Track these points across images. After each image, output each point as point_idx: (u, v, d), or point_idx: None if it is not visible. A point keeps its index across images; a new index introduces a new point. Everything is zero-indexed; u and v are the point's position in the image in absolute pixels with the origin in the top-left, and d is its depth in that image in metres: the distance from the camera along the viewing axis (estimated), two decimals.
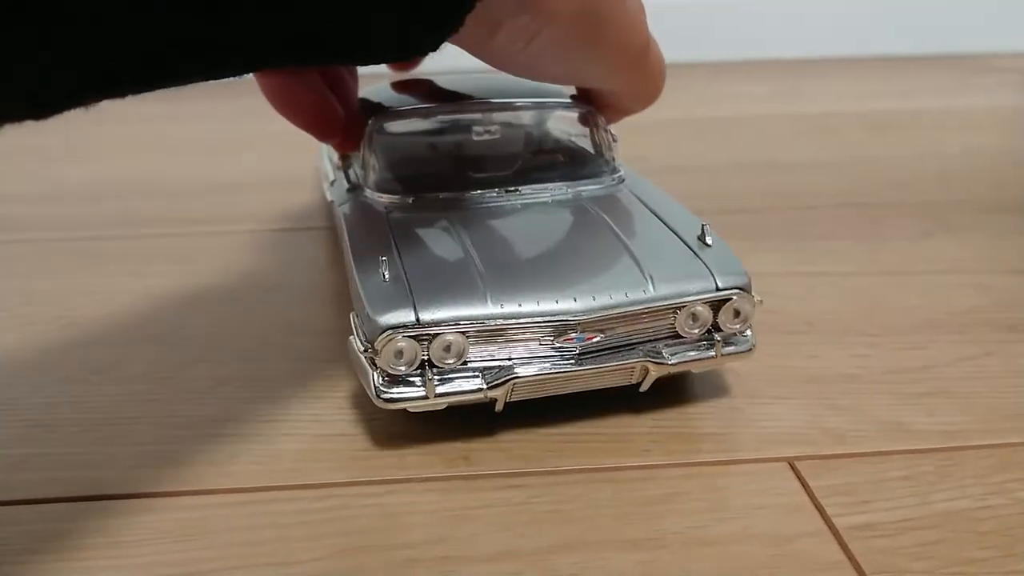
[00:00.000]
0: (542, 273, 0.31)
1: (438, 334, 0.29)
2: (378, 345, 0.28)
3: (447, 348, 0.29)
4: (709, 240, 0.32)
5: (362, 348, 0.29)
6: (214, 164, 0.61)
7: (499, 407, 0.30)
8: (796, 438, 0.31)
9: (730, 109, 0.75)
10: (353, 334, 0.30)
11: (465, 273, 0.30)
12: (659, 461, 0.30)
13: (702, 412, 0.32)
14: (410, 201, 0.35)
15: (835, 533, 0.26)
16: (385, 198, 0.36)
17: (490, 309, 0.29)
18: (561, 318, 0.29)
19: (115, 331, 0.38)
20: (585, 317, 0.29)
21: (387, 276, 0.29)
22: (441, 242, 0.33)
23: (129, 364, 0.35)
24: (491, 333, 0.29)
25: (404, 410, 0.30)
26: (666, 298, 0.30)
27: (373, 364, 0.29)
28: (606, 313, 0.30)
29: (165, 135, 0.68)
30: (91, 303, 0.41)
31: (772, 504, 0.28)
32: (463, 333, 0.29)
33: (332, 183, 0.41)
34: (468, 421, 0.31)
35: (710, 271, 0.31)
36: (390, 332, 0.28)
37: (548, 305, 0.29)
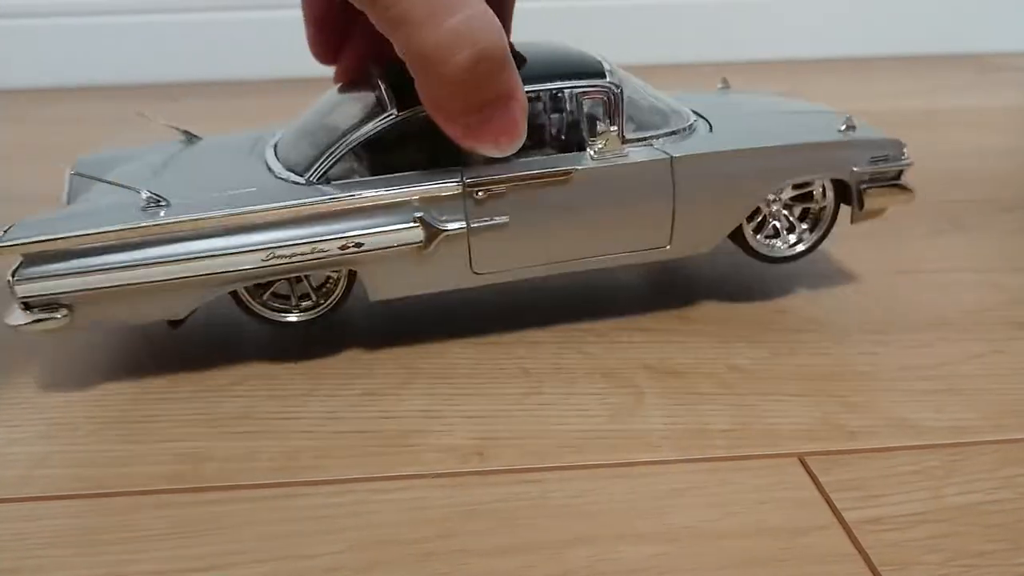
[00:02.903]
0: None
1: None
2: None
3: None
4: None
5: None
6: None
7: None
8: (806, 434, 0.31)
9: None
10: None
11: None
12: (671, 457, 0.30)
13: (712, 409, 0.33)
14: None
15: (845, 527, 0.27)
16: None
17: None
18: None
19: (129, 330, 0.39)
20: None
21: None
22: None
23: (145, 363, 0.36)
24: None
25: (418, 407, 0.30)
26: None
27: None
28: None
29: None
30: None
31: (782, 499, 0.28)
32: None
33: None
34: (481, 417, 0.31)
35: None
36: None
37: None
